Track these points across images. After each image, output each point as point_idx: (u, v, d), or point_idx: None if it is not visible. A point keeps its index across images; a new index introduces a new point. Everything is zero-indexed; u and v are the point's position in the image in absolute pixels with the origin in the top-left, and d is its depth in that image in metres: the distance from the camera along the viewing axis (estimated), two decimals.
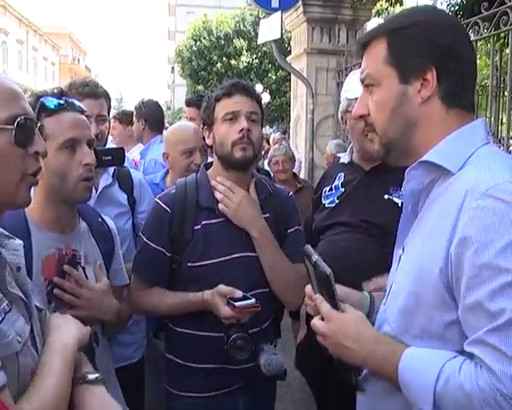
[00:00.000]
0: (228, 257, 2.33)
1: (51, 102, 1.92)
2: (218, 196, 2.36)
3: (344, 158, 2.87)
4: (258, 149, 2.44)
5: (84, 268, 2.05)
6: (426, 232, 1.44)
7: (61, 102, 1.95)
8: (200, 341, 2.34)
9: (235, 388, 2.39)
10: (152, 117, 5.23)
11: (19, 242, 1.52)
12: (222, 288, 2.22)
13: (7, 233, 1.50)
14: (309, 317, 1.72)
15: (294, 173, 5.61)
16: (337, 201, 2.67)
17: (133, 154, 5.31)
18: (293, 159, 5.58)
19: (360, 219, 2.52)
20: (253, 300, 2.18)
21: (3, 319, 1.28)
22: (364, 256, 2.38)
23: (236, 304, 2.15)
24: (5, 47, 42.90)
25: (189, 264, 2.33)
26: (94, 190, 2.77)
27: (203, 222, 2.35)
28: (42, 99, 1.91)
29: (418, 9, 1.63)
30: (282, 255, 2.41)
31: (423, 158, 1.48)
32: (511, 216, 1.25)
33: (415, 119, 1.50)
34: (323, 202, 2.76)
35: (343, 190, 2.68)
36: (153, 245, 2.36)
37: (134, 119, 5.35)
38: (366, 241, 2.47)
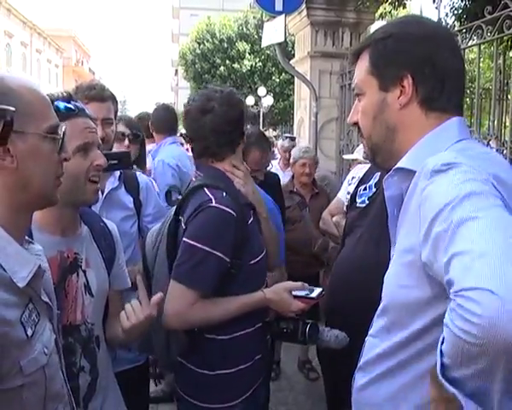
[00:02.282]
0: (263, 247, 2.48)
1: (67, 107, 1.97)
2: (238, 182, 2.45)
3: None
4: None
5: (85, 272, 2.06)
6: (405, 227, 1.46)
7: (71, 106, 2.00)
8: (247, 339, 2.40)
9: (261, 381, 2.49)
10: (157, 120, 5.29)
11: (39, 247, 1.58)
12: (289, 284, 2.41)
13: (27, 238, 1.54)
14: None
15: (314, 178, 5.62)
16: (367, 202, 2.70)
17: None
18: (317, 162, 5.58)
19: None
20: (321, 288, 2.42)
21: (34, 332, 1.34)
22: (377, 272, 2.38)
23: (312, 295, 2.38)
24: (9, 49, 42.99)
25: (251, 262, 2.37)
26: (100, 193, 2.78)
27: (251, 218, 2.45)
28: (55, 103, 1.93)
29: (401, 20, 1.73)
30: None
31: (397, 165, 1.53)
32: (455, 178, 1.24)
33: (394, 124, 1.58)
34: (357, 200, 2.80)
35: (375, 190, 2.69)
36: (217, 254, 2.25)
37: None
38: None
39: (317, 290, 2.40)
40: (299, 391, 5.10)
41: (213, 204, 2.27)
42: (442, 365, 1.12)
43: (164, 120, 5.29)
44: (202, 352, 2.38)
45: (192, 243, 2.26)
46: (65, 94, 2.06)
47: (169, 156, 4.79)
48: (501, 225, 1.11)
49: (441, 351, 1.12)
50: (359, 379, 1.67)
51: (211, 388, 2.36)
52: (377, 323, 1.64)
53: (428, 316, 1.38)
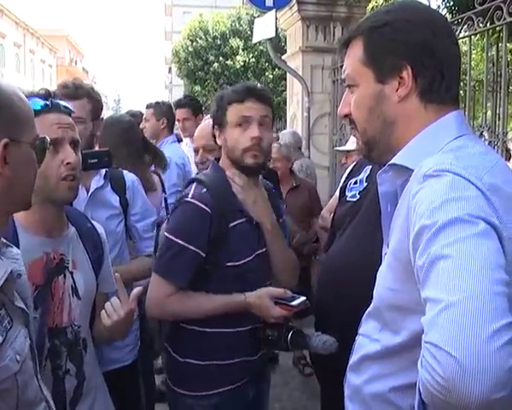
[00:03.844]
0: (253, 255, 2.42)
1: (37, 104, 1.92)
2: (237, 189, 2.41)
3: None
4: (269, 154, 2.49)
5: (72, 273, 2.03)
6: (397, 229, 1.42)
7: (47, 102, 1.96)
8: (220, 337, 2.37)
9: (246, 381, 2.45)
10: (171, 118, 5.40)
11: (17, 250, 1.56)
12: (271, 290, 2.34)
13: (4, 241, 1.51)
14: None
15: (292, 171, 5.57)
16: (358, 196, 2.61)
17: None
18: (288, 157, 5.53)
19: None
20: (304, 297, 2.33)
21: (4, 339, 1.30)
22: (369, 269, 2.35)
23: (293, 303, 2.29)
24: (2, 50, 42.93)
25: (228, 264, 2.35)
26: (85, 192, 2.75)
27: (237, 221, 2.39)
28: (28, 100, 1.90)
29: (394, 7, 1.59)
30: (286, 245, 2.60)
31: (392, 161, 1.48)
32: (447, 191, 1.19)
33: (393, 117, 1.50)
34: (347, 193, 2.72)
35: (366, 184, 2.61)
36: (191, 247, 2.30)
37: (150, 116, 5.43)
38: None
39: (300, 299, 2.31)
40: (293, 387, 5.10)
41: (189, 199, 2.35)
42: (422, 402, 1.12)
43: (174, 120, 5.38)
44: (177, 338, 2.49)
45: (169, 236, 2.35)
46: (42, 91, 2.03)
47: (175, 155, 4.85)
48: (472, 263, 1.07)
49: (419, 389, 1.11)
50: (352, 379, 1.65)
51: (182, 374, 2.46)
52: (367, 322, 1.62)
53: (419, 323, 1.35)
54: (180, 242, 2.31)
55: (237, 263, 2.36)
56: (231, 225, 2.36)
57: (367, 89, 1.52)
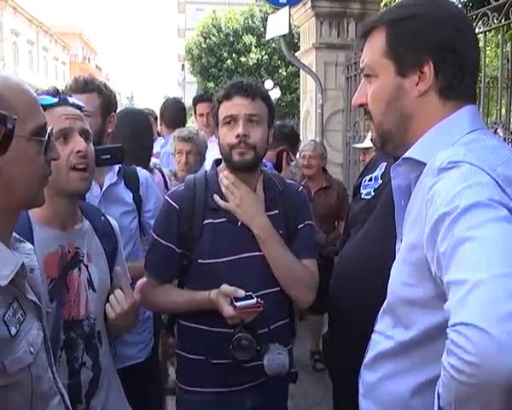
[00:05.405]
0: (237, 256, 2.34)
1: (47, 100, 1.94)
2: (223, 190, 2.37)
3: None
4: (264, 151, 2.42)
5: (87, 266, 2.04)
6: (411, 223, 1.41)
7: (55, 99, 1.98)
8: (212, 336, 2.34)
9: (243, 388, 2.39)
10: (166, 115, 5.41)
11: (30, 246, 1.56)
12: (225, 288, 2.21)
13: (18, 237, 1.52)
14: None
15: (325, 171, 5.57)
16: (373, 194, 2.55)
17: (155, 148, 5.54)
18: (322, 156, 5.53)
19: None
20: (255, 300, 2.17)
21: (18, 331, 1.31)
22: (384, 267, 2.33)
23: (237, 304, 2.15)
24: (16, 47, 43.18)
25: (199, 260, 2.34)
26: (99, 189, 2.76)
27: (211, 220, 2.36)
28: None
29: (420, 0, 1.57)
30: (285, 251, 2.39)
31: (406, 155, 1.47)
32: (464, 179, 1.19)
33: (411, 112, 1.49)
34: (361, 191, 2.67)
35: (381, 182, 2.54)
36: (163, 242, 2.40)
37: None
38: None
39: (249, 301, 2.17)
40: (307, 385, 5.07)
41: (165, 195, 2.50)
42: (439, 408, 1.10)
43: (172, 116, 5.35)
44: (177, 332, 2.57)
45: (151, 231, 2.52)
46: (50, 88, 2.04)
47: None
48: (500, 244, 1.06)
49: (438, 393, 1.10)
50: (367, 376, 1.65)
51: (178, 366, 2.57)
52: (382, 319, 1.61)
53: (432, 318, 1.34)
54: (155, 236, 2.44)
55: (209, 261, 2.33)
56: (205, 222, 2.36)
57: (386, 81, 1.51)
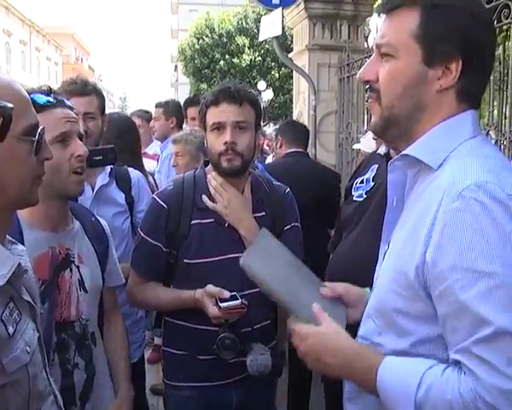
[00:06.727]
0: (222, 257, 2.35)
1: (40, 99, 1.92)
2: (211, 190, 2.38)
3: (381, 149, 2.62)
4: (251, 156, 2.41)
5: (78, 267, 2.04)
6: (407, 232, 1.40)
7: (51, 98, 1.97)
8: (197, 334, 2.36)
9: (229, 382, 2.41)
10: (180, 117, 5.49)
11: (22, 247, 1.56)
12: (210, 288, 2.23)
13: (9, 238, 1.51)
14: None
15: None
16: (365, 196, 2.57)
17: (152, 149, 5.64)
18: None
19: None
20: (239, 301, 2.19)
21: (15, 330, 1.32)
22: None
23: (221, 305, 2.17)
24: (8, 48, 43.02)
25: (185, 260, 2.36)
26: (90, 190, 2.76)
27: (199, 220, 2.37)
28: (31, 96, 1.89)
29: None
30: None
31: (405, 151, 1.44)
32: (487, 217, 1.21)
33: (426, 104, 1.42)
34: (353, 193, 2.68)
35: (373, 184, 2.56)
36: (150, 240, 2.41)
37: (159, 115, 5.54)
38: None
39: (233, 302, 2.19)
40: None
41: (154, 195, 2.53)
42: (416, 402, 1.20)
43: (182, 118, 5.41)
44: (164, 328, 2.62)
45: (139, 229, 2.54)
46: (44, 87, 2.03)
47: None
48: None
49: (426, 392, 1.19)
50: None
51: (164, 362, 2.63)
52: (365, 324, 1.58)
53: (422, 332, 1.36)
54: (142, 234, 2.45)
55: (195, 261, 2.35)
56: (192, 222, 2.37)
57: (409, 65, 1.41)
